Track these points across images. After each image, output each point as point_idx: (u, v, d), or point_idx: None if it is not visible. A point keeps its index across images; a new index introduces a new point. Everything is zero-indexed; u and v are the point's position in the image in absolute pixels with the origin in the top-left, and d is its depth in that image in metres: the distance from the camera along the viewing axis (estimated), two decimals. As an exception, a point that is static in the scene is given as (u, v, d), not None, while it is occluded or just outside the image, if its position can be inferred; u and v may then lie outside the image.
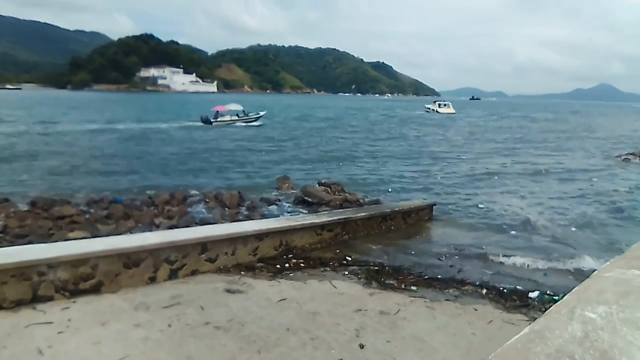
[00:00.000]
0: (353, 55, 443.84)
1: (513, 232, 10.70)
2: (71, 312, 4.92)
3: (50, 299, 5.16)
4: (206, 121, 44.44)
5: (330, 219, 8.49)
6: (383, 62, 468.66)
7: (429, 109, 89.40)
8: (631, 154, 26.43)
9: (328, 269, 7.01)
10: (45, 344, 4.23)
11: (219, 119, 45.34)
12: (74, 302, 5.19)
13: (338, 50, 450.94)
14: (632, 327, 1.70)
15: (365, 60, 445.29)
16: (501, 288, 6.69)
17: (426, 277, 6.96)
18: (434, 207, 11.33)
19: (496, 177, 18.95)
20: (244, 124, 45.96)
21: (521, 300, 6.24)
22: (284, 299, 5.62)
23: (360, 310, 5.40)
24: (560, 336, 1.66)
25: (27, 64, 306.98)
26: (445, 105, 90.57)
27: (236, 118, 46.72)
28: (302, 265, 7.15)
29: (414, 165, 23.13)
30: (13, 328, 4.52)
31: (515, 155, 27.21)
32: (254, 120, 47.64)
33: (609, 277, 2.16)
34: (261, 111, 50.76)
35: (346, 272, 6.85)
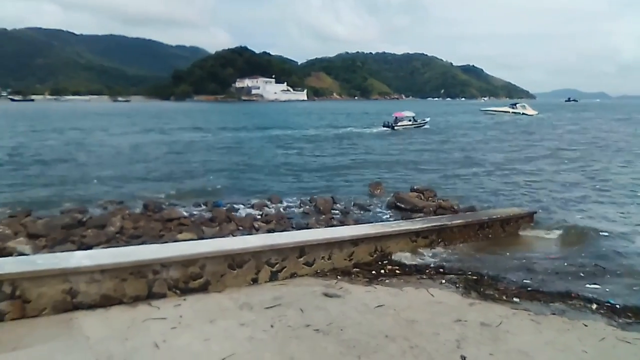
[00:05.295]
0: (442, 59, 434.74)
1: (622, 244, 9.85)
2: (182, 309, 5.18)
3: (163, 296, 5.46)
4: (388, 126, 48.92)
5: (425, 225, 8.31)
6: (473, 65, 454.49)
7: (493, 111, 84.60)
8: None
9: (424, 276, 6.85)
10: (160, 339, 4.47)
11: (399, 124, 49.29)
12: (184, 299, 5.46)
13: (426, 54, 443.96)
14: None
15: (454, 63, 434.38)
16: (613, 303, 6.16)
17: (529, 288, 6.57)
18: (535, 215, 10.71)
19: (606, 187, 17.52)
20: (416, 127, 50.45)
21: (637, 317, 5.71)
22: (381, 305, 5.56)
23: (460, 320, 5.20)
24: None
25: (135, 78, 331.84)
26: (522, 106, 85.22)
27: (410, 123, 50.69)
28: (397, 272, 7.04)
29: (510, 171, 22.07)
30: (132, 322, 4.83)
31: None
32: (424, 125, 51.81)
33: None
34: (426, 117, 55.58)
35: (443, 281, 6.64)
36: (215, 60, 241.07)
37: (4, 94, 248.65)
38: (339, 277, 6.63)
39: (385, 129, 48.70)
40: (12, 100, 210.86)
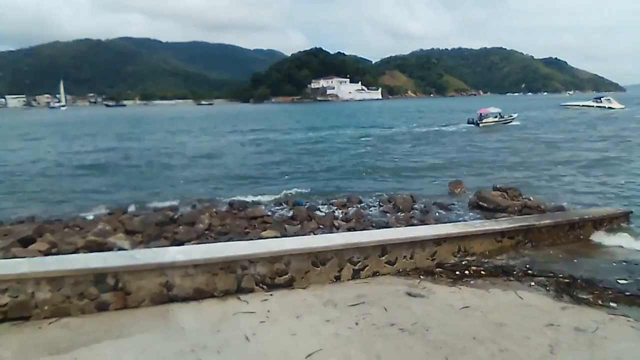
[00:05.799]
0: (522, 53, 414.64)
1: None
2: (270, 304, 5.32)
3: (251, 290, 5.63)
4: (473, 123, 47.97)
5: (510, 225, 7.98)
6: (556, 58, 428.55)
7: (575, 106, 78.77)
8: None
9: (511, 278, 6.56)
10: (250, 332, 4.62)
11: (484, 121, 47.86)
12: (271, 294, 5.60)
13: (505, 48, 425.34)
14: None
15: (535, 57, 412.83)
16: None
17: (627, 293, 6.12)
18: (630, 215, 9.96)
19: None
20: (503, 124, 48.54)
21: None
22: (467, 307, 5.40)
23: (552, 324, 4.95)
24: None
25: (217, 82, 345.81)
26: (607, 100, 78.63)
27: (496, 120, 49.11)
28: (482, 273, 6.80)
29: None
30: (223, 315, 5.03)
31: None
32: (511, 121, 49.99)
33: None
34: (514, 113, 53.05)
35: (532, 283, 6.34)
36: (291, 62, 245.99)
37: (100, 100, 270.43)
38: (421, 276, 6.53)
39: (469, 125, 47.31)
40: (107, 105, 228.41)
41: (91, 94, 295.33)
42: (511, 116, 50.85)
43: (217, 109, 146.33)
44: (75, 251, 8.39)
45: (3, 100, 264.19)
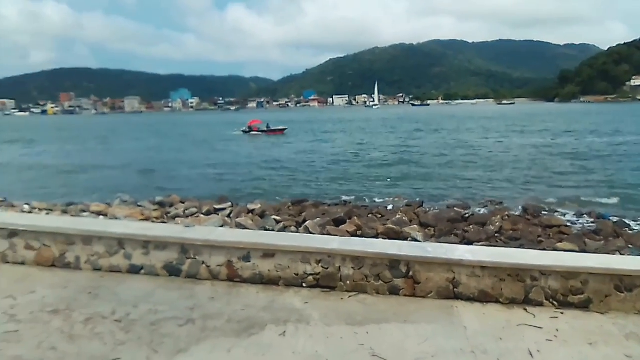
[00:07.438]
0: None
1: None
2: (559, 323, 4.82)
3: (539, 304, 5.19)
4: None
5: None
6: None
7: None
8: None
9: None
10: (534, 348, 4.28)
11: None
12: (562, 313, 5.06)
13: None
14: None
15: None
16: None
17: None
18: None
19: None
20: None
21: None
22: None
23: None
24: None
25: (520, 80, 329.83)
26: None
27: None
28: None
29: None
30: (507, 323, 4.78)
31: None
32: None
33: None
34: None
35: None
36: (607, 57, 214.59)
37: (407, 100, 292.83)
38: None
39: None
40: (413, 105, 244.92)
41: (400, 95, 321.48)
42: None
43: (516, 109, 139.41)
44: (376, 236, 9.26)
45: (331, 99, 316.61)
